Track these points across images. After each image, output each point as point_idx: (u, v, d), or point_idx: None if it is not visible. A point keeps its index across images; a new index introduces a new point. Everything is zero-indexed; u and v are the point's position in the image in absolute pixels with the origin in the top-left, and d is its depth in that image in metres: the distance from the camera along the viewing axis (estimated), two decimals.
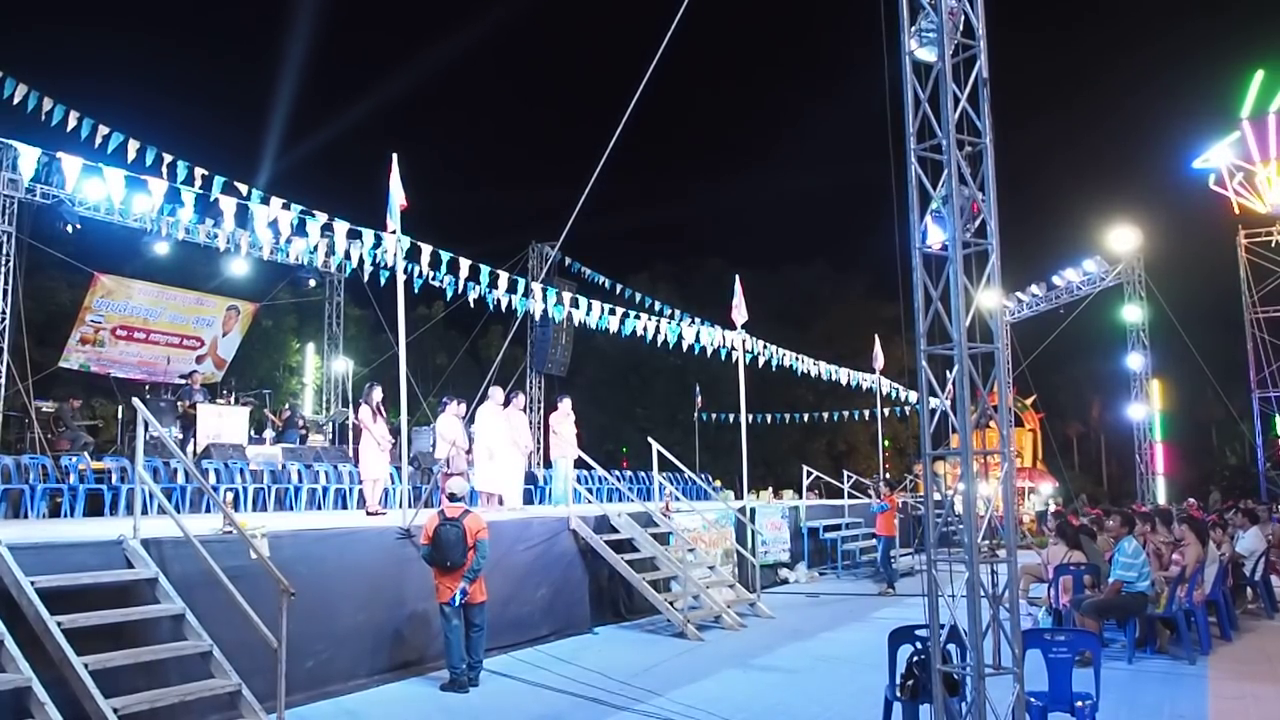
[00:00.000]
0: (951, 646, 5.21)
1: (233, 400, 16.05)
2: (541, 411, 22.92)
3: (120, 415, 16.22)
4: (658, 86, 8.32)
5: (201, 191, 12.08)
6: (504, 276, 15.02)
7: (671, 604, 10.54)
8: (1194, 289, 27.57)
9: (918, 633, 5.51)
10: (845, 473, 20.66)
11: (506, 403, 12.00)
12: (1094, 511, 16.47)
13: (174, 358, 19.12)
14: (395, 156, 9.42)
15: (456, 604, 7.62)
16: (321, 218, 12.76)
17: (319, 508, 13.23)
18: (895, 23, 5.39)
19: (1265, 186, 24.66)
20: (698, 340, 18.56)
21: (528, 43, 60.38)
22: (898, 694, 5.47)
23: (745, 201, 52.97)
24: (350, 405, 19.12)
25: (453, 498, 7.99)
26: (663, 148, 52.64)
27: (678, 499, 13.30)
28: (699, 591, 11.10)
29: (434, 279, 15.52)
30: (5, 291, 15.12)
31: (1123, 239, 25.38)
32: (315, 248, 16.50)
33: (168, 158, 12.89)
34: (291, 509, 12.87)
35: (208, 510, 11.13)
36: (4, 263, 15.07)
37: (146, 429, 7.06)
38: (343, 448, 16.31)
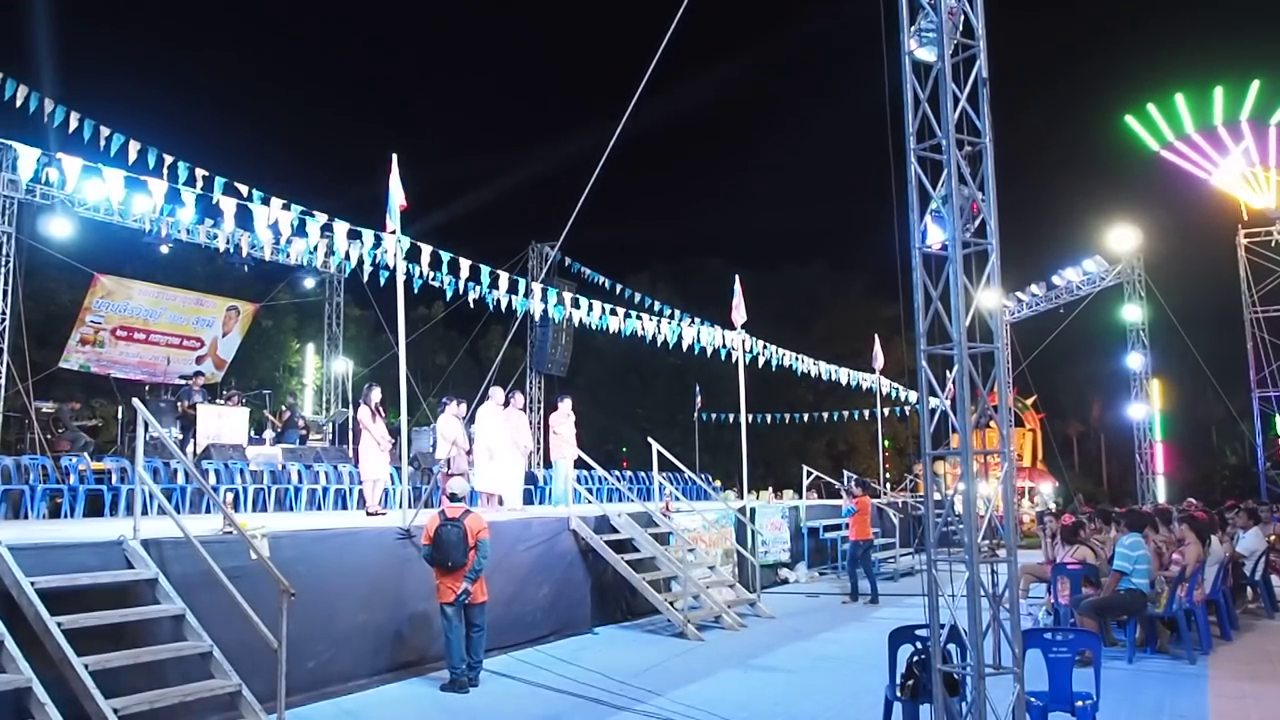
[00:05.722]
0: (952, 646, 5.21)
1: (232, 400, 16.05)
2: (541, 412, 22.92)
3: (120, 416, 16.22)
4: (658, 85, 8.33)
5: (202, 192, 12.09)
6: (504, 276, 15.03)
7: (672, 604, 10.54)
8: (1194, 288, 27.60)
9: (918, 633, 5.51)
10: (845, 473, 20.65)
11: (506, 403, 11.99)
12: (1089, 509, 16.45)
13: (174, 358, 19.13)
14: (395, 157, 9.42)
15: (458, 604, 7.63)
16: (321, 218, 12.77)
17: (319, 508, 13.23)
18: (895, 22, 5.39)
19: (1246, 185, 24.97)
20: (698, 340, 18.57)
21: (528, 42, 60.41)
22: (898, 694, 5.47)
23: (745, 201, 53.05)
24: (350, 406, 19.12)
25: (453, 498, 7.98)
26: (662, 147, 52.69)
27: (678, 499, 13.30)
28: (699, 591, 11.10)
29: (434, 279, 15.52)
30: (5, 292, 15.13)
31: (1122, 238, 25.41)
32: (315, 248, 16.50)
33: (168, 159, 12.89)
34: (291, 509, 12.88)
35: (208, 511, 11.13)
36: (4, 263, 15.08)
37: (146, 429, 7.06)
38: (342, 448, 16.30)
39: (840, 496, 19.37)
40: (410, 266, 14.74)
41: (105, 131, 13.12)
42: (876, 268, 32.00)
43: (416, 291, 15.58)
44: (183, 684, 5.98)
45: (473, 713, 7.20)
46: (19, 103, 12.85)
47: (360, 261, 15.24)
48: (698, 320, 19.01)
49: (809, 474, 19.57)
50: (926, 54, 5.27)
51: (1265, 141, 24.82)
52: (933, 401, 5.22)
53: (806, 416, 29.86)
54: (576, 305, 17.12)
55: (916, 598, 11.66)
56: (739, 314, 15.00)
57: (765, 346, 20.88)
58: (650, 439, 13.04)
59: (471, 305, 16.41)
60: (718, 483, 21.91)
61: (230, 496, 11.91)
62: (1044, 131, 42.49)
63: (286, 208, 12.30)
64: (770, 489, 22.71)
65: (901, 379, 24.82)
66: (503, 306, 15.92)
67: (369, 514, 10.30)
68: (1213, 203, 26.28)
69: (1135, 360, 25.55)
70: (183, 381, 17.05)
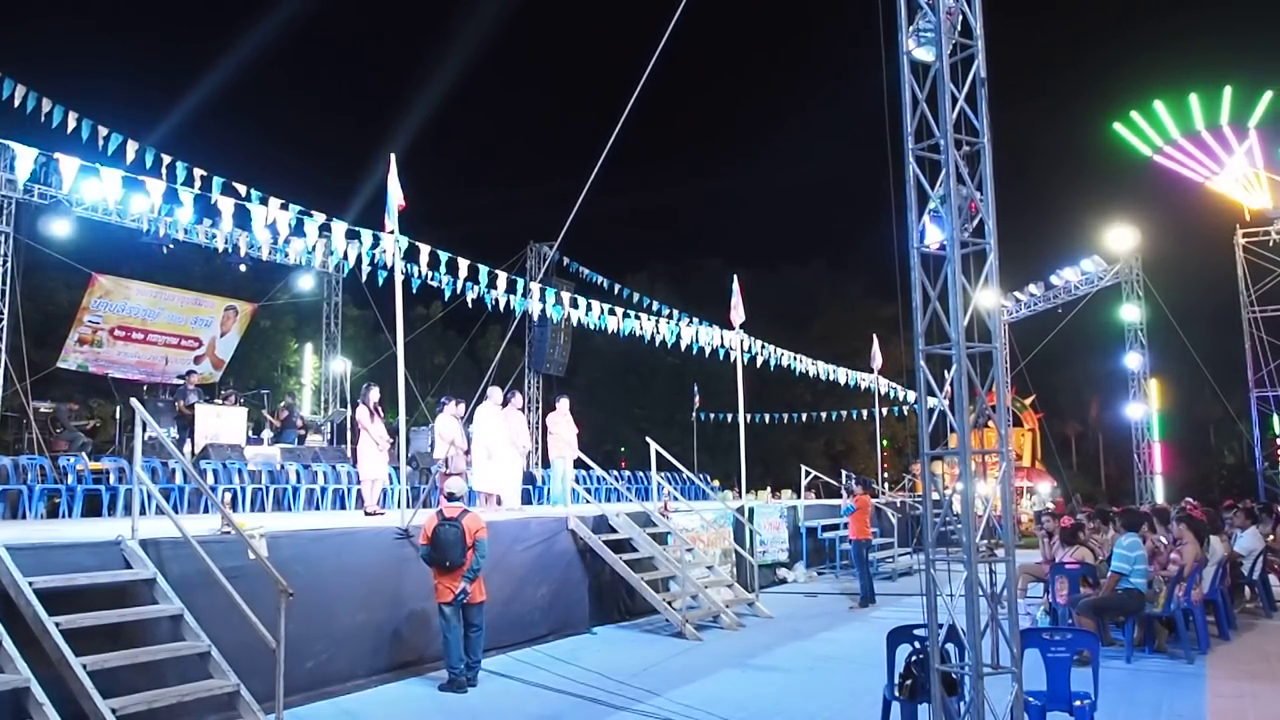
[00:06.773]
0: (950, 646, 5.21)
1: (230, 400, 16.03)
2: (540, 411, 22.92)
3: (118, 416, 16.22)
4: (656, 85, 8.34)
5: (200, 192, 12.07)
6: (502, 276, 15.02)
7: (670, 604, 10.54)
8: (1192, 288, 27.59)
9: (916, 632, 5.51)
10: (844, 472, 20.66)
11: (505, 403, 11.99)
12: (1087, 509, 16.45)
13: (172, 358, 19.11)
14: (394, 157, 9.42)
15: (457, 604, 7.62)
16: (319, 218, 12.75)
17: (317, 508, 13.22)
18: (893, 22, 5.39)
19: (1242, 188, 25.08)
20: (696, 340, 18.57)
21: (527, 41, 60.38)
22: (896, 694, 5.48)
23: (743, 201, 53.02)
24: (348, 405, 19.10)
25: (451, 497, 7.99)
26: (661, 147, 52.70)
27: (676, 499, 13.29)
28: (697, 591, 11.10)
29: (432, 279, 15.52)
30: (3, 292, 15.11)
31: (1120, 238, 25.43)
32: (313, 248, 16.48)
33: (166, 158, 12.88)
34: (289, 509, 12.87)
35: (206, 511, 11.12)
36: (2, 263, 15.06)
37: (145, 429, 7.05)
38: (341, 448, 16.29)
39: (840, 496, 19.44)
40: (408, 266, 14.73)
41: (103, 131, 13.11)
42: (875, 268, 31.98)
43: (415, 291, 15.58)
44: (181, 684, 5.98)
45: (471, 712, 7.20)
46: (17, 102, 12.83)
47: (358, 261, 15.23)
48: (696, 320, 19.01)
49: (807, 474, 19.57)
50: (925, 54, 5.27)
51: (1251, 144, 24.97)
52: (931, 401, 5.22)
53: (805, 416, 29.86)
54: (575, 305, 17.12)
55: (914, 597, 11.69)
56: (737, 314, 15.00)
57: (764, 346, 20.89)
58: (649, 439, 13.04)
59: (470, 305, 16.40)
60: (716, 482, 21.90)
61: (228, 496, 11.87)
62: (1042, 131, 42.48)
63: (284, 207, 12.28)
64: (768, 489, 22.71)
65: (900, 379, 24.84)
66: (501, 306, 15.91)
67: (367, 514, 10.30)
68: (1210, 203, 26.32)
69: (1133, 360, 25.56)
70: (178, 381, 17.02)
